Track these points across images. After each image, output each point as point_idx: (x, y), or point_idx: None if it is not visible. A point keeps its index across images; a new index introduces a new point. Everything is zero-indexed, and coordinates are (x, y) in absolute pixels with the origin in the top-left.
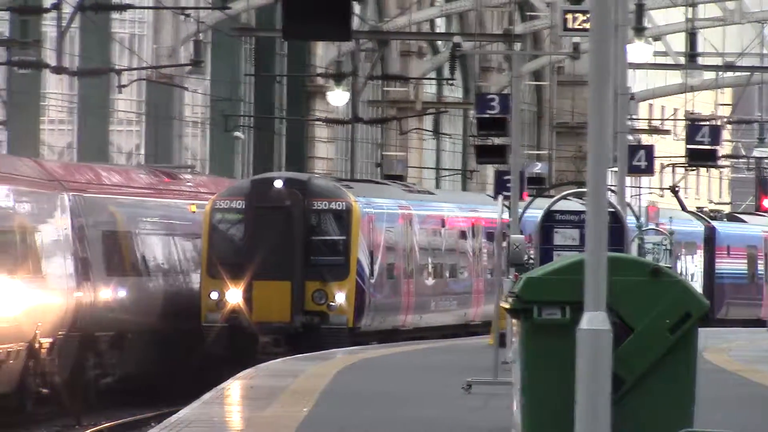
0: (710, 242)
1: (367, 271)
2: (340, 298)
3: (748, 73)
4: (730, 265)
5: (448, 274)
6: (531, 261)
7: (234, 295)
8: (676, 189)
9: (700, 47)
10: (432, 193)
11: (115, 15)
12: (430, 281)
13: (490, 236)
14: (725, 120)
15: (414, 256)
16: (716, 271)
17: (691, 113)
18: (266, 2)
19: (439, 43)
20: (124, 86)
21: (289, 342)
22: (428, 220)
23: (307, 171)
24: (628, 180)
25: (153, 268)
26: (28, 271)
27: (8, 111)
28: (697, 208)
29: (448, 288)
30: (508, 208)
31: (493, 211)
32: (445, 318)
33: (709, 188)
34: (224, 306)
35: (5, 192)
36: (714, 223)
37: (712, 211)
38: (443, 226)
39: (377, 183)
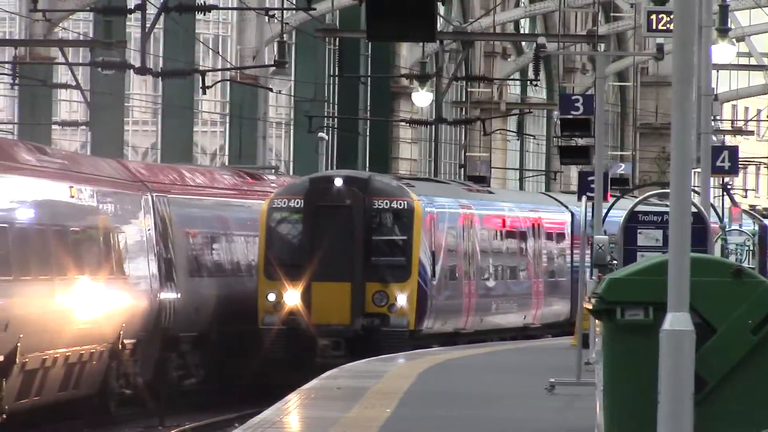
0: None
1: (428, 272)
2: (401, 299)
3: None
4: None
5: (508, 276)
6: (614, 262)
7: (292, 297)
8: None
9: None
10: (492, 192)
11: (199, 16)
12: (490, 282)
13: (549, 236)
14: None
15: (475, 256)
16: None
17: None
18: (350, 3)
19: (523, 44)
20: (208, 87)
21: (348, 345)
22: (489, 220)
23: (390, 172)
24: (712, 180)
25: (236, 268)
26: (111, 272)
27: (92, 112)
28: (750, 206)
29: (508, 290)
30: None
31: (553, 211)
32: (506, 320)
33: None
34: (282, 308)
35: (90, 193)
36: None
37: (764, 209)
38: (504, 226)
39: (437, 182)
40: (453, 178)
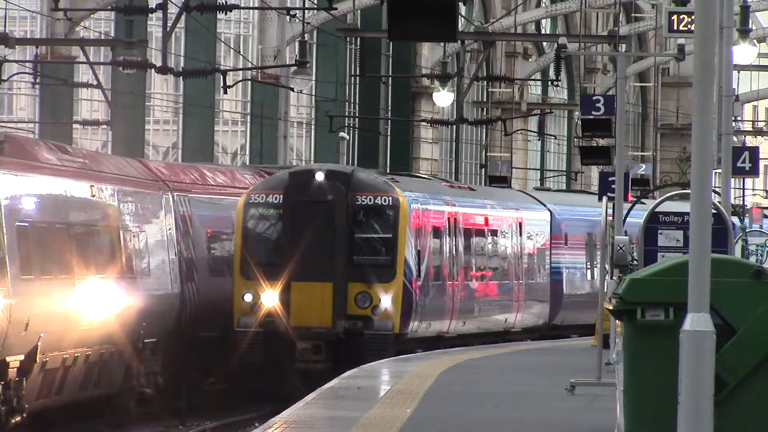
0: None
1: (414, 272)
2: (385, 301)
3: None
4: None
5: (490, 277)
6: (635, 262)
7: (270, 298)
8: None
9: None
10: (473, 190)
11: (220, 15)
12: (474, 284)
13: (530, 236)
14: None
15: (459, 256)
16: None
17: None
18: (372, 3)
19: (545, 44)
20: (229, 87)
21: (329, 349)
22: (472, 219)
23: (411, 171)
24: (732, 181)
25: None
26: (132, 271)
27: (113, 111)
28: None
29: (491, 292)
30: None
31: (534, 211)
32: (488, 323)
33: None
34: (259, 309)
35: (110, 192)
36: None
37: None
38: (486, 224)
39: (417, 177)
40: (443, 178)
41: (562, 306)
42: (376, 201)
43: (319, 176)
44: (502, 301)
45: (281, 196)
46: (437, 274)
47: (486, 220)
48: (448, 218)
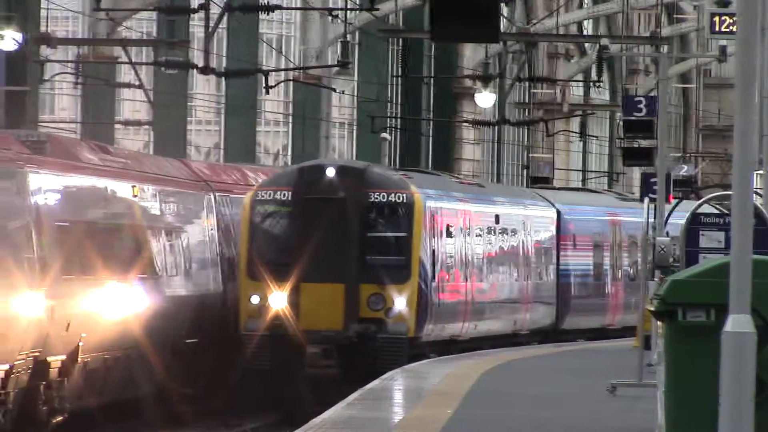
0: None
1: (429, 272)
2: (399, 303)
3: None
4: None
5: (501, 278)
6: (676, 263)
7: (278, 300)
8: None
9: None
10: (482, 186)
11: (262, 16)
12: (486, 284)
13: (538, 235)
14: None
15: (473, 256)
16: None
17: None
18: (414, 3)
19: (587, 45)
20: (271, 87)
21: (340, 353)
22: (484, 217)
23: (454, 172)
24: None
25: None
26: (175, 271)
27: (155, 111)
28: None
29: (501, 292)
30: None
31: (540, 209)
32: (497, 325)
33: None
34: (266, 312)
35: (153, 192)
36: None
37: None
38: (497, 222)
39: (429, 173)
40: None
41: (570, 309)
42: (390, 198)
43: (330, 172)
44: (512, 303)
45: (290, 192)
46: (452, 274)
47: (497, 218)
48: (461, 216)
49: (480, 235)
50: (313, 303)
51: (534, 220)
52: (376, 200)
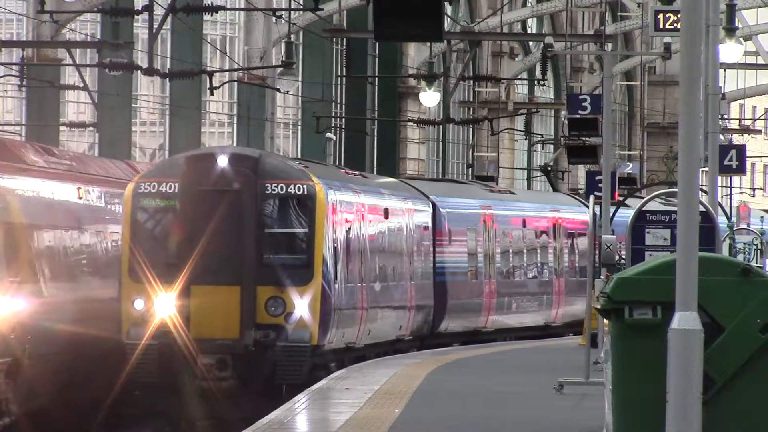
0: None
1: (332, 272)
2: (301, 307)
3: None
4: None
5: (391, 277)
6: (622, 261)
7: (165, 305)
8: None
9: None
10: (365, 176)
11: (206, 16)
12: (379, 285)
13: (418, 230)
14: None
15: (374, 255)
16: None
17: None
18: (358, 3)
19: (531, 43)
20: (215, 88)
21: (237, 364)
22: (377, 210)
23: (398, 172)
24: (719, 180)
25: None
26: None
27: (100, 113)
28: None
29: (392, 294)
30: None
31: (417, 203)
32: (384, 332)
33: None
34: (151, 318)
35: (97, 194)
36: None
37: None
38: (386, 216)
39: (320, 163)
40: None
41: (447, 311)
42: (289, 190)
43: (222, 161)
44: (398, 307)
45: (177, 184)
46: (353, 275)
47: (386, 211)
48: (359, 210)
49: (379, 230)
50: (205, 308)
51: (415, 214)
52: (273, 192)
